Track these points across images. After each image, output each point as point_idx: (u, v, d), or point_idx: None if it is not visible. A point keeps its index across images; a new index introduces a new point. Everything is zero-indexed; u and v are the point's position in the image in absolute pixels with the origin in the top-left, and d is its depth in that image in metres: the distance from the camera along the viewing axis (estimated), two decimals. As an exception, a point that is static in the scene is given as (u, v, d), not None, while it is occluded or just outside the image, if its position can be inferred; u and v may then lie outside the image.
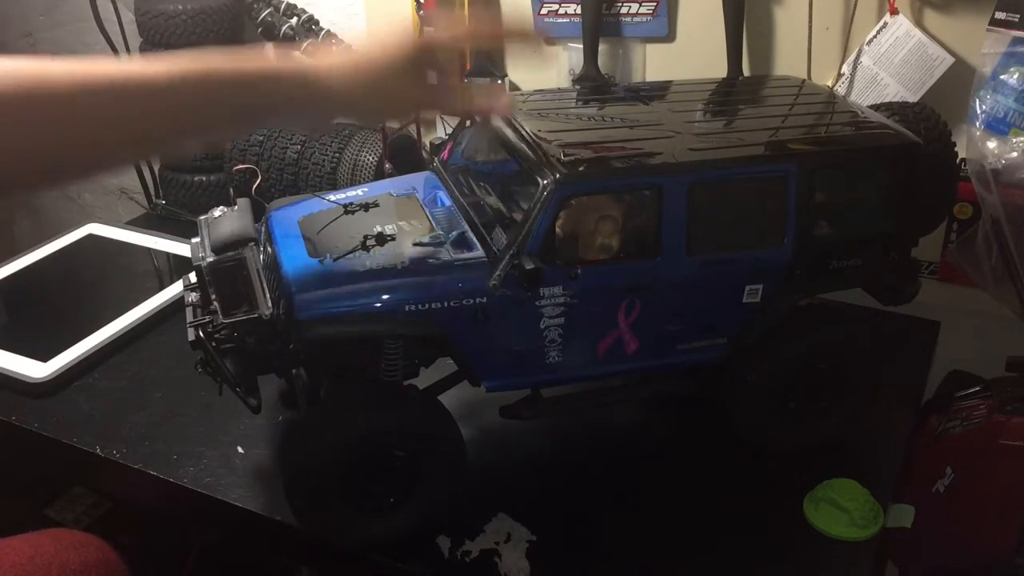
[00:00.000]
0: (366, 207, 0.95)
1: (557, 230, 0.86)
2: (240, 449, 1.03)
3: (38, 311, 1.32)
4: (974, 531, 1.09)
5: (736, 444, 1.02)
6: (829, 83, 1.25)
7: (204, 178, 1.55)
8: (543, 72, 1.40)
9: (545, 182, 0.84)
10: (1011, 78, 1.09)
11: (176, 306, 1.26)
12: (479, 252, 0.88)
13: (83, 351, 1.17)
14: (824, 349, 0.99)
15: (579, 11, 1.31)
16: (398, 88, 0.87)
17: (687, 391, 0.99)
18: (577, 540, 0.93)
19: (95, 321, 1.22)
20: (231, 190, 1.44)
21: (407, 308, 0.85)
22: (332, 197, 0.99)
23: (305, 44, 1.48)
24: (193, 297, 0.91)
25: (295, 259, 0.89)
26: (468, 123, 1.03)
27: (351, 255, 0.88)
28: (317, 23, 1.50)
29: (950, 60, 1.17)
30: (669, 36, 1.32)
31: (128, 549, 1.06)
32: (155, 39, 1.48)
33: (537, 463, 1.04)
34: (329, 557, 0.97)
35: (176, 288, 1.28)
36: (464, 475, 0.91)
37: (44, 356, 1.15)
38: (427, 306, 0.85)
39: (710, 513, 0.96)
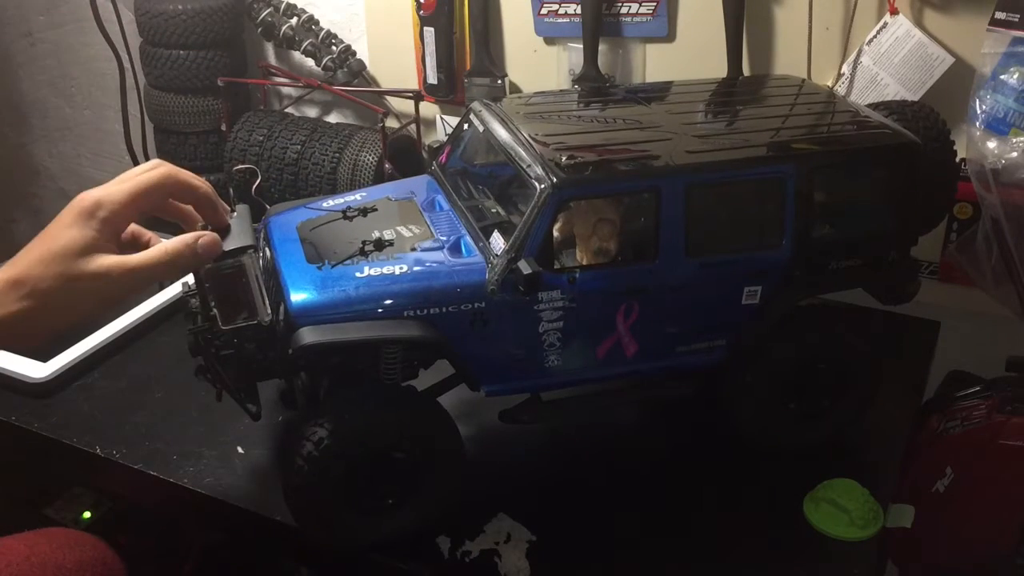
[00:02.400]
0: (364, 212, 0.96)
1: (555, 233, 0.86)
2: (240, 449, 1.04)
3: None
4: (974, 531, 1.09)
5: (736, 444, 1.02)
6: (829, 83, 1.25)
7: (204, 178, 1.55)
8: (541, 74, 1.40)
9: (542, 186, 0.84)
10: (1011, 78, 1.09)
11: (176, 306, 1.26)
12: (477, 257, 0.88)
13: (83, 351, 1.17)
14: (823, 349, 0.99)
15: (579, 11, 1.31)
16: (86, 273, 0.80)
17: (687, 393, 0.99)
18: (577, 540, 0.93)
19: (95, 321, 1.22)
20: (231, 190, 1.44)
21: (405, 314, 0.85)
22: (330, 202, 0.99)
23: (305, 44, 1.48)
24: (193, 303, 0.92)
25: (294, 265, 0.89)
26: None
27: (349, 260, 0.88)
28: (317, 23, 1.50)
29: (950, 60, 1.17)
30: (669, 36, 1.31)
31: (128, 549, 1.06)
32: (155, 39, 1.48)
33: (537, 463, 1.04)
34: (329, 557, 0.98)
35: (176, 288, 1.28)
36: (463, 475, 0.92)
37: (44, 356, 1.15)
38: (425, 311, 0.85)
39: (710, 513, 0.97)
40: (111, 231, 0.82)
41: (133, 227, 0.90)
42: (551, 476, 1.01)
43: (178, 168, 0.88)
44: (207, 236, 0.87)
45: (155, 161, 0.89)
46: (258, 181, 1.41)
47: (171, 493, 1.00)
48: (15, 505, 1.35)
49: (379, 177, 1.36)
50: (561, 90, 1.31)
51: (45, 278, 0.79)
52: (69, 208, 0.82)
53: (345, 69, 1.49)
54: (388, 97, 1.52)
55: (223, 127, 1.49)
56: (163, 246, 0.85)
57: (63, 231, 0.80)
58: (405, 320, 0.85)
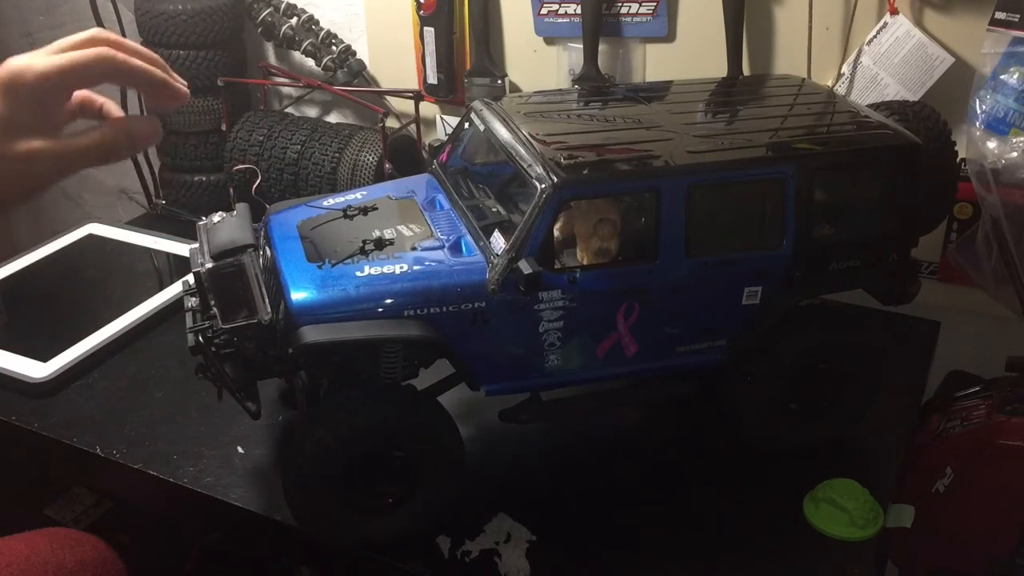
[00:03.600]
0: (365, 211, 0.95)
1: (556, 233, 0.86)
2: (240, 449, 1.04)
3: (38, 311, 1.32)
4: (974, 531, 1.10)
5: (736, 444, 1.02)
6: (829, 83, 1.25)
7: (204, 178, 1.56)
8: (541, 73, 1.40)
9: (543, 186, 0.84)
10: (1011, 78, 1.09)
11: (176, 306, 1.26)
12: (478, 256, 0.88)
13: (83, 351, 1.17)
14: (824, 350, 0.99)
15: (579, 11, 1.31)
16: (7, 152, 0.72)
17: (687, 393, 0.98)
18: (577, 540, 0.93)
19: (95, 321, 1.23)
20: (231, 190, 1.45)
21: (406, 313, 0.85)
22: (331, 200, 0.99)
23: (305, 44, 1.48)
24: (193, 302, 0.92)
25: (294, 263, 0.89)
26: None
27: (350, 259, 0.88)
28: (317, 23, 1.50)
29: (950, 60, 1.17)
30: (669, 36, 1.31)
31: (128, 549, 1.06)
32: (155, 39, 1.48)
33: (537, 463, 1.04)
34: (329, 557, 0.98)
35: (176, 288, 1.29)
36: (463, 475, 0.92)
37: (44, 356, 1.15)
38: (426, 311, 0.85)
39: (710, 513, 0.97)
40: (37, 108, 0.73)
41: (84, 93, 0.82)
42: (551, 476, 1.01)
43: (121, 45, 0.77)
44: (145, 122, 0.79)
45: (95, 31, 0.78)
46: (258, 181, 1.41)
47: (171, 493, 1.00)
48: (15, 505, 1.35)
49: (379, 177, 1.36)
50: (561, 89, 1.31)
51: None
52: None
53: (345, 69, 1.49)
54: (388, 97, 1.52)
55: (223, 127, 1.49)
56: (96, 131, 0.77)
57: None
58: (405, 319, 0.85)
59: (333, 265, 0.87)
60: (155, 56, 0.80)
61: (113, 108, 0.83)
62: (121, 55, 0.76)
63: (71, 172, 0.77)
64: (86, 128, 0.77)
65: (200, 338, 0.87)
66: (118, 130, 0.78)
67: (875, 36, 1.20)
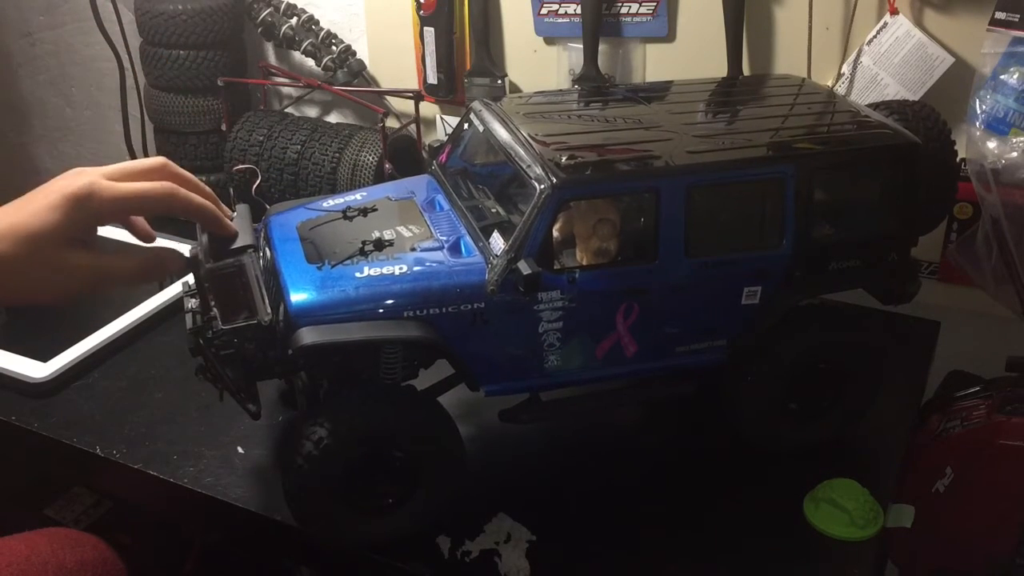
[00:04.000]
0: (364, 212, 0.95)
1: (555, 234, 0.86)
2: (240, 449, 1.04)
3: (38, 311, 1.32)
4: (974, 531, 1.10)
5: (736, 444, 1.02)
6: (829, 83, 1.25)
7: (204, 178, 1.53)
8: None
9: (542, 186, 0.84)
10: (1011, 78, 1.09)
11: (176, 307, 1.26)
12: (477, 257, 0.88)
13: (83, 351, 1.17)
14: (824, 350, 0.99)
15: (579, 11, 1.31)
16: (54, 262, 0.79)
17: (687, 393, 0.98)
18: (577, 540, 0.93)
19: (95, 321, 1.22)
20: (231, 190, 1.44)
21: (405, 314, 0.85)
22: (330, 201, 0.99)
23: (305, 44, 1.48)
24: (192, 303, 0.92)
25: (294, 265, 0.89)
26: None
27: (349, 260, 0.88)
28: (317, 23, 1.50)
29: (950, 60, 1.17)
30: (669, 36, 1.31)
31: (128, 549, 1.06)
32: (155, 39, 1.48)
33: (537, 463, 1.04)
34: (329, 557, 0.98)
35: (176, 288, 1.29)
36: (463, 475, 0.92)
37: (44, 356, 1.15)
38: (425, 312, 0.85)
39: (710, 513, 0.97)
40: (94, 224, 0.80)
41: None
42: (551, 476, 1.01)
43: (185, 181, 0.86)
44: (176, 256, 0.88)
45: (161, 161, 0.86)
46: (258, 181, 1.41)
47: (171, 493, 1.00)
48: (15, 505, 1.35)
49: (379, 177, 1.36)
50: (561, 90, 1.31)
51: (16, 256, 0.77)
52: (60, 187, 0.79)
53: (345, 69, 1.49)
54: (388, 97, 1.52)
55: (223, 127, 1.49)
56: (139, 260, 0.85)
57: (47, 213, 0.78)
58: (405, 320, 0.85)
59: (333, 266, 0.87)
60: (210, 191, 0.89)
61: (143, 226, 0.89)
62: (184, 192, 0.85)
63: (104, 290, 0.85)
64: (127, 253, 0.85)
65: (200, 339, 0.87)
66: (154, 261, 0.86)
67: (875, 36, 1.20)
